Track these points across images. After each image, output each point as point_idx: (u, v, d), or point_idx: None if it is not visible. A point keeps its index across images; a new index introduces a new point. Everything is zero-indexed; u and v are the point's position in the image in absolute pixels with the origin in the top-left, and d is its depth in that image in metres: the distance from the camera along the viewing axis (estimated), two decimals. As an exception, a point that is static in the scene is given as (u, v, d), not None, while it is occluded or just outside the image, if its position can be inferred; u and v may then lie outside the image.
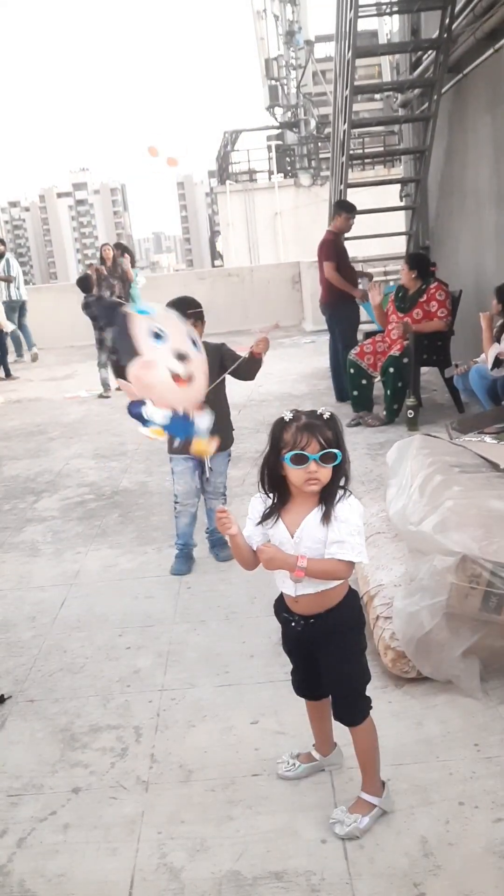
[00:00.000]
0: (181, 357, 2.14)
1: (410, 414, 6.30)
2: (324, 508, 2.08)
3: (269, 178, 23.38)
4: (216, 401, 4.03)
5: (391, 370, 6.49)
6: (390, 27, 8.74)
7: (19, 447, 7.27)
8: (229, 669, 3.12)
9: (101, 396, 9.32)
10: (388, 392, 6.58)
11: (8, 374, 12.03)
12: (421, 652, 2.80)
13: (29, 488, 5.90)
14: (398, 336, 6.53)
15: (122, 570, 4.24)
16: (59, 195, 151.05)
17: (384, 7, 7.52)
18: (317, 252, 7.43)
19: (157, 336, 2.12)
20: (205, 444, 2.20)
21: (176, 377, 2.11)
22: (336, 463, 2.07)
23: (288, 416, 2.09)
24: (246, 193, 22.65)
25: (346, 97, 7.42)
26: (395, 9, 7.70)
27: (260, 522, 2.19)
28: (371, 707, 2.26)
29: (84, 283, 10.11)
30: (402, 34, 8.44)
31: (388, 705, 2.78)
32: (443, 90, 7.30)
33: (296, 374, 9.57)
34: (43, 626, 3.65)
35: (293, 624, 2.23)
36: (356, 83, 7.64)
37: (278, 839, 2.21)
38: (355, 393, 6.83)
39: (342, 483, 2.12)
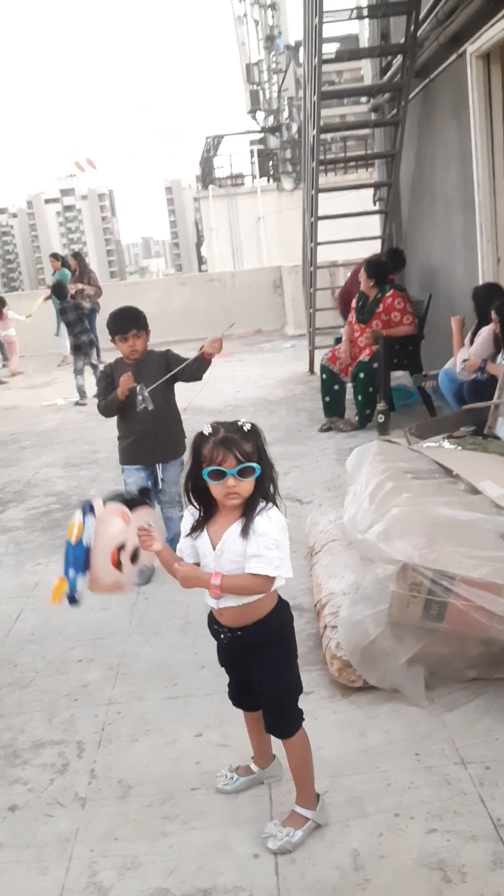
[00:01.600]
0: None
1: (381, 419, 6.30)
2: (244, 521, 2.07)
3: (252, 183, 23.41)
4: (165, 408, 4.03)
5: (361, 375, 6.50)
6: (371, 31, 8.74)
7: (-9, 457, 7.23)
8: (178, 681, 3.10)
9: (77, 404, 9.29)
10: (359, 397, 6.58)
11: None
12: (366, 661, 2.78)
13: (-4, 499, 5.87)
14: (367, 343, 6.54)
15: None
16: (47, 201, 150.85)
17: (350, 12, 7.51)
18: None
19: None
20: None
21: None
22: (256, 476, 2.05)
23: (207, 430, 2.07)
24: (229, 198, 22.69)
25: (315, 102, 7.42)
26: (363, 14, 7.68)
27: (189, 534, 2.19)
28: (303, 719, 2.24)
29: (59, 289, 10.10)
30: (372, 39, 8.45)
31: (334, 715, 2.76)
32: (410, 95, 7.31)
33: (273, 378, 9.57)
34: (-5, 641, 3.62)
35: (221, 636, 2.21)
36: (324, 88, 7.63)
37: (211, 855, 2.18)
38: (327, 399, 6.83)
39: (268, 494, 2.10)
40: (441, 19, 6.12)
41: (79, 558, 2.12)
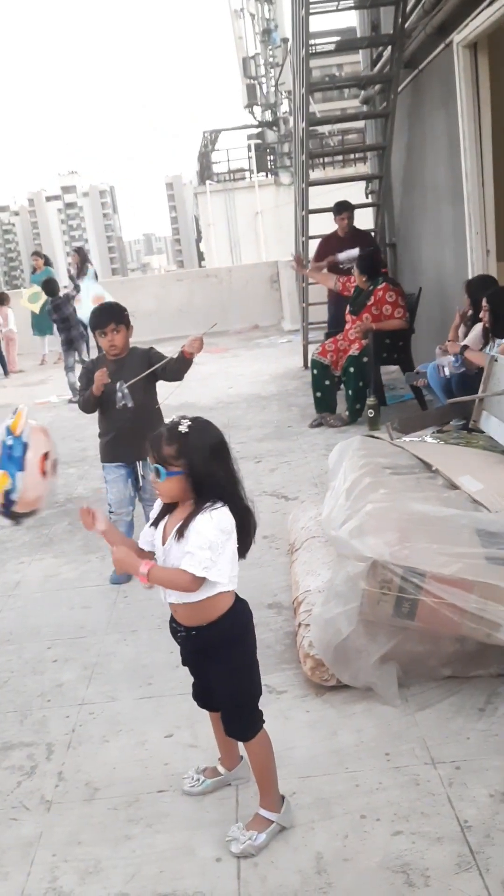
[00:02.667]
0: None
1: (371, 413, 6.25)
2: (184, 520, 2.05)
3: (250, 178, 23.32)
4: (145, 405, 3.99)
5: (351, 370, 6.45)
6: (361, 23, 8.65)
7: (-19, 455, 7.20)
8: (153, 681, 3.07)
9: (70, 402, 9.26)
10: (349, 392, 6.53)
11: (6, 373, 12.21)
12: (339, 659, 2.75)
13: (-16, 497, 5.83)
14: (357, 336, 6.49)
15: (62, 579, 4.19)
16: (49, 199, 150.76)
17: (337, 3, 7.45)
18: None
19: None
20: None
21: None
22: (167, 476, 2.03)
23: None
24: (226, 193, 22.61)
25: (303, 95, 7.36)
26: (349, 4, 7.62)
27: (151, 524, 2.17)
28: (263, 721, 2.21)
29: (50, 286, 10.06)
30: (362, 30, 8.38)
31: (306, 714, 2.73)
32: (400, 86, 7.25)
33: (268, 374, 9.52)
34: (-27, 641, 3.60)
35: (178, 634, 2.19)
36: (313, 80, 7.57)
37: (173, 859, 2.15)
38: (318, 394, 6.78)
39: (220, 495, 2.06)
40: (428, 9, 6.07)
41: (19, 457, 2.21)
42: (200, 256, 28.34)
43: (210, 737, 2.55)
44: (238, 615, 2.15)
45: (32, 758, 2.67)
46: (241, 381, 9.24)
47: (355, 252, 7.19)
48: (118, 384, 3.88)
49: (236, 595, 2.16)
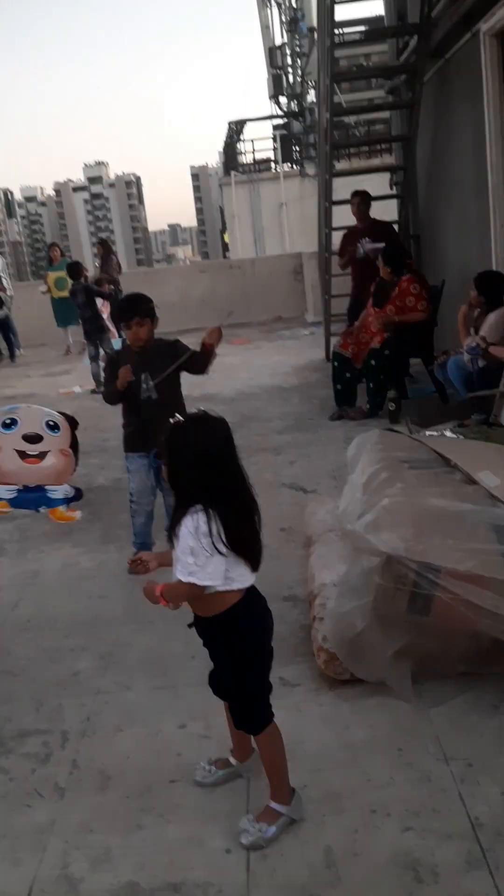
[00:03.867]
0: (32, 439, 2.41)
1: (392, 407, 6.21)
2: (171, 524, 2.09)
3: (275, 169, 23.22)
4: (169, 397, 4.00)
5: (373, 363, 6.41)
6: (388, 12, 8.56)
7: (4, 445, 7.27)
8: (167, 671, 3.09)
9: (93, 392, 9.30)
10: (370, 385, 6.50)
11: (12, 356, 12.35)
12: (353, 654, 2.74)
13: (6, 486, 5.89)
14: (378, 328, 6.45)
15: (81, 569, 4.22)
16: (75, 189, 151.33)
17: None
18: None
19: (7, 425, 2.41)
20: (62, 513, 2.31)
21: (24, 456, 2.37)
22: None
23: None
24: (251, 184, 22.52)
25: (328, 85, 7.31)
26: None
27: None
28: (272, 716, 2.21)
29: (74, 269, 10.10)
30: (389, 19, 8.29)
31: (319, 708, 2.73)
32: (425, 76, 7.17)
33: (289, 366, 9.50)
34: (-9, 629, 3.64)
35: (193, 622, 2.20)
36: (338, 70, 7.51)
37: (183, 849, 2.17)
38: (339, 387, 6.75)
39: (196, 497, 2.05)
40: (455, -3, 5.99)
41: None
42: (225, 248, 28.28)
43: (223, 728, 2.56)
44: (242, 612, 2.13)
45: (47, 745, 2.70)
46: (262, 373, 9.23)
47: (379, 245, 7.16)
48: (143, 376, 3.89)
49: (248, 592, 2.15)
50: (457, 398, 5.91)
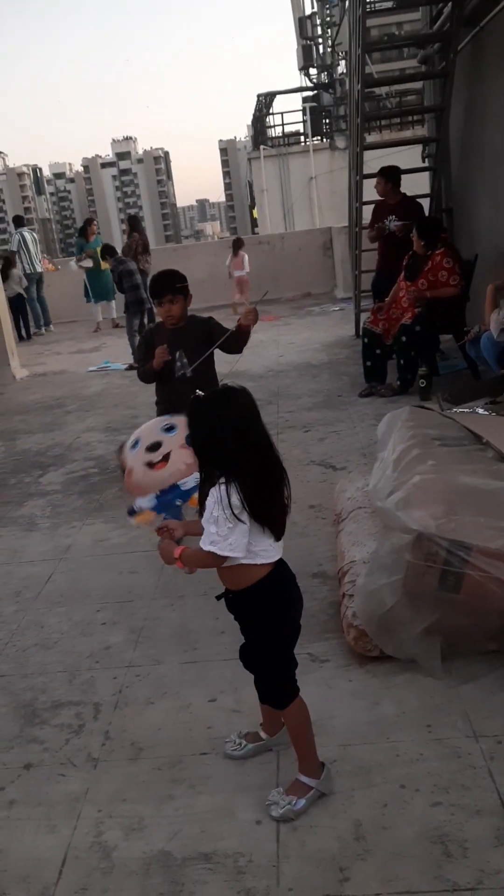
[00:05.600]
0: (153, 447, 2.54)
1: (423, 384, 6.16)
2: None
3: (304, 142, 22.91)
4: (204, 375, 4.00)
5: (403, 339, 6.35)
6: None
7: (35, 421, 7.35)
8: (198, 646, 3.12)
9: (132, 367, 9.25)
10: (401, 361, 6.43)
11: (29, 336, 12.48)
12: (382, 630, 2.75)
13: (38, 462, 5.96)
14: (410, 304, 6.37)
15: (112, 544, 4.26)
16: (104, 165, 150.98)
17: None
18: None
19: (134, 445, 2.60)
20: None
21: (152, 465, 2.55)
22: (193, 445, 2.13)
23: None
24: (280, 158, 22.27)
25: (359, 55, 7.18)
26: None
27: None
28: (297, 691, 2.23)
29: (108, 248, 10.21)
30: (422, -14, 8.11)
31: (349, 684, 2.74)
32: (460, 45, 7.01)
33: (319, 343, 9.45)
34: (26, 601, 3.70)
35: (222, 594, 2.22)
36: (370, 40, 7.37)
37: (214, 819, 2.20)
38: (368, 363, 6.70)
39: (221, 468, 2.05)
40: (490, -37, 5.83)
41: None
42: (253, 223, 28.06)
43: (252, 702, 2.58)
44: (269, 587, 2.14)
45: (80, 717, 2.75)
46: (291, 350, 9.20)
47: (405, 223, 7.09)
48: (177, 353, 3.89)
49: (277, 567, 2.15)
50: (490, 375, 5.84)
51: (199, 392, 2.10)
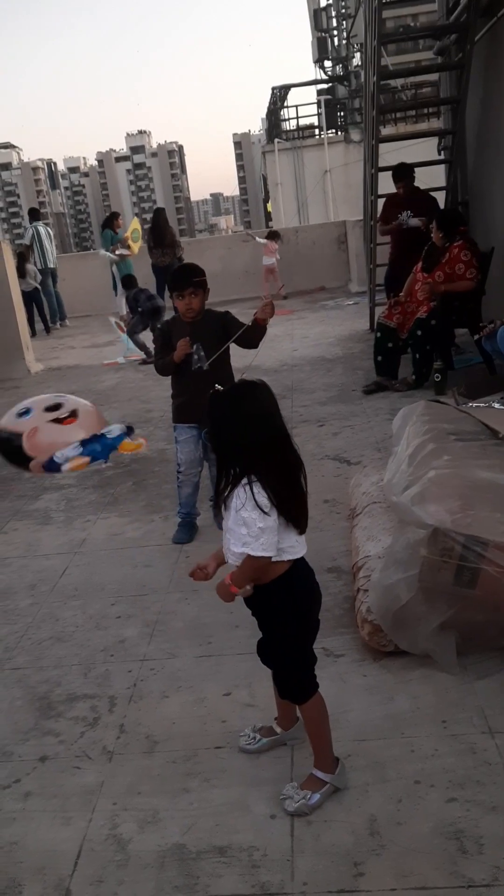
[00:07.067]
0: (53, 408, 2.43)
1: (438, 378, 6.12)
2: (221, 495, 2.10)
3: (319, 135, 22.81)
4: (220, 369, 3.99)
5: (419, 333, 6.31)
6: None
7: (50, 415, 7.36)
8: (212, 640, 3.12)
9: (145, 362, 9.28)
10: (416, 355, 6.40)
11: (47, 330, 12.51)
12: (397, 625, 2.74)
13: (52, 456, 5.97)
14: (425, 297, 6.34)
15: (126, 538, 4.27)
16: (118, 159, 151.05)
17: None
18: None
19: (22, 413, 2.42)
20: (128, 444, 2.34)
21: (61, 420, 2.41)
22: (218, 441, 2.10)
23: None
24: (295, 151, 22.19)
25: (375, 47, 7.13)
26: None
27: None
28: (316, 686, 2.22)
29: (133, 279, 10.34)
30: (438, -23, 8.04)
31: (363, 679, 2.74)
32: (477, 36, 6.94)
33: (333, 336, 9.43)
34: (41, 595, 3.71)
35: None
36: (386, 31, 7.32)
37: (229, 813, 2.20)
38: (379, 358, 6.66)
39: (245, 468, 2.04)
40: (508, -48, 5.77)
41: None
42: (267, 217, 27.99)
43: (267, 697, 2.59)
44: (289, 583, 2.13)
45: (95, 709, 2.76)
46: (305, 344, 9.18)
47: (421, 219, 7.08)
48: (195, 347, 3.89)
49: (297, 563, 2.15)
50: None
51: (218, 386, 2.09)
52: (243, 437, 2.04)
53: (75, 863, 2.10)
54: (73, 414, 2.44)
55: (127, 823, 2.21)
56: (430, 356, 6.31)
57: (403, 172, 7.54)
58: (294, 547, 2.13)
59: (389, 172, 7.96)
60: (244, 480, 2.04)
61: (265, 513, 2.01)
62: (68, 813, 2.28)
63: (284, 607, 2.16)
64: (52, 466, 2.41)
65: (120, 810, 2.27)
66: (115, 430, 2.38)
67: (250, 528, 2.03)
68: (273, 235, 13.29)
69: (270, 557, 2.06)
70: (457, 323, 6.60)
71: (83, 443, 2.39)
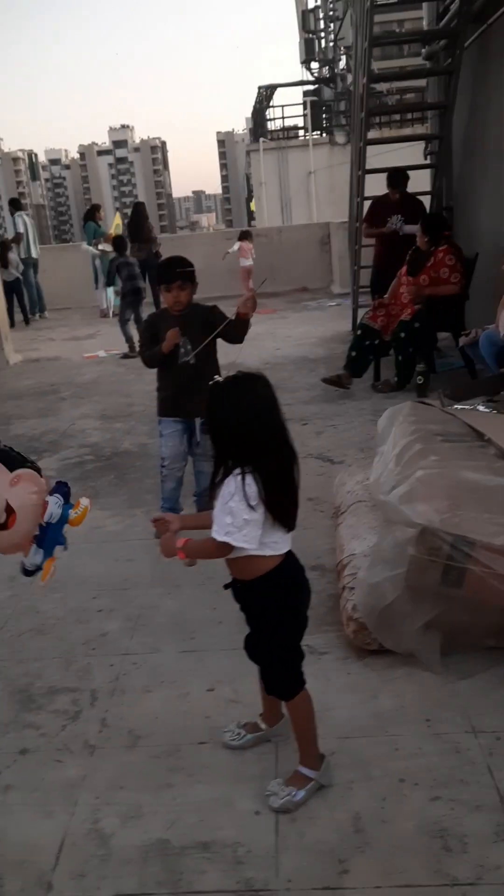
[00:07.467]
0: None
1: (420, 380, 6.15)
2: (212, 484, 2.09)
3: (304, 136, 22.85)
4: (206, 363, 3.97)
5: (402, 335, 6.34)
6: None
7: (30, 406, 7.30)
8: (195, 635, 3.10)
9: (127, 356, 9.21)
10: (399, 358, 6.43)
11: (27, 321, 12.37)
12: (382, 624, 2.74)
13: (31, 448, 5.91)
14: (409, 300, 6.37)
15: (107, 532, 4.24)
16: (100, 153, 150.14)
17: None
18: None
19: None
20: (79, 516, 2.21)
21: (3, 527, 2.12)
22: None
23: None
24: (279, 151, 22.20)
25: (366, 49, 7.15)
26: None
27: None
28: (303, 683, 2.22)
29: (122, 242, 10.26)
30: (429, -18, 8.09)
31: (347, 677, 2.74)
32: (466, 42, 6.99)
33: (316, 337, 9.44)
34: (21, 587, 3.65)
35: (229, 584, 2.20)
36: (376, 33, 7.35)
37: (212, 809, 2.19)
38: (353, 353, 6.63)
39: (236, 458, 2.04)
40: (501, -41, 5.81)
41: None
42: (250, 216, 27.99)
43: (251, 693, 2.58)
44: (276, 580, 2.13)
45: (77, 703, 2.73)
46: (288, 343, 9.18)
47: (414, 227, 7.08)
48: (181, 340, 3.87)
49: (286, 559, 2.14)
50: (487, 373, 5.84)
51: (217, 378, 2.07)
52: (241, 428, 2.03)
53: (57, 857, 2.07)
54: (9, 510, 2.15)
55: (109, 818, 2.19)
56: (413, 359, 6.34)
57: (399, 180, 7.53)
58: (277, 543, 2.12)
59: (376, 175, 8.00)
60: (237, 471, 2.03)
61: (251, 506, 2.00)
62: (49, 806, 2.25)
63: (273, 603, 2.15)
64: (29, 572, 2.30)
65: (102, 805, 2.24)
66: (54, 510, 2.17)
67: (235, 519, 2.02)
68: (244, 236, 13.25)
69: (233, 548, 2.05)
70: (440, 327, 6.64)
71: (37, 540, 2.22)
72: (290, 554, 2.17)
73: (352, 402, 6.31)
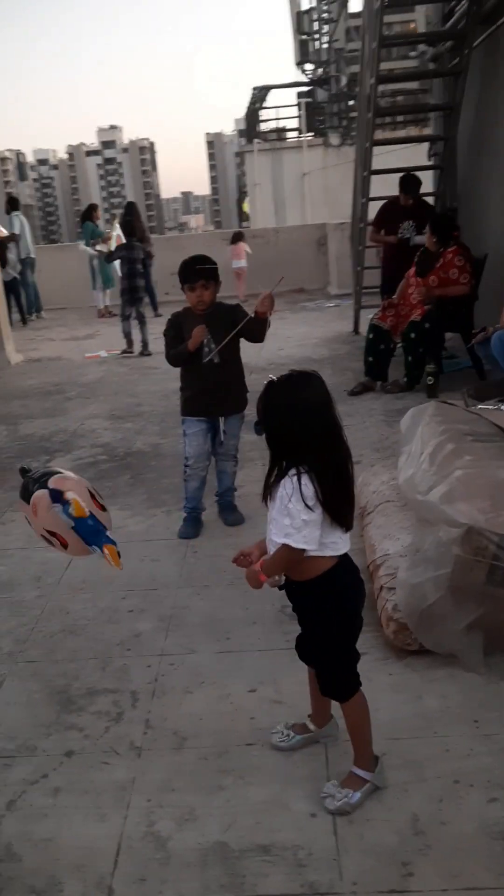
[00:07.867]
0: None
1: (430, 381, 6.16)
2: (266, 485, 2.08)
3: (298, 137, 22.87)
4: (230, 361, 3.97)
5: (412, 336, 6.34)
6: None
7: (36, 406, 7.25)
8: (230, 636, 3.08)
9: (125, 353, 9.20)
10: (409, 358, 6.43)
11: (24, 321, 12.30)
12: (424, 625, 2.73)
13: (43, 447, 5.88)
14: (419, 301, 6.37)
15: (129, 532, 4.21)
16: (88, 153, 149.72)
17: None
18: None
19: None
20: (115, 556, 2.35)
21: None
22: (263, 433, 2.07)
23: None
24: (273, 153, 22.22)
25: (375, 49, 7.15)
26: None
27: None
28: (359, 684, 2.20)
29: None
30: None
31: (389, 677, 2.73)
32: (474, 43, 7.01)
33: (317, 338, 9.44)
34: (47, 587, 3.64)
35: (283, 584, 2.19)
36: (384, 35, 7.35)
37: (268, 811, 2.17)
38: (370, 358, 6.66)
39: (292, 457, 2.03)
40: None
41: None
42: (242, 217, 27.95)
43: (294, 694, 2.57)
44: (331, 581, 2.10)
45: (118, 704, 2.70)
46: (290, 344, 9.17)
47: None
48: (205, 339, 3.86)
49: (343, 560, 2.13)
50: (497, 373, 5.85)
51: (271, 377, 2.06)
52: (297, 427, 2.01)
53: (115, 860, 2.05)
54: (52, 534, 2.54)
55: (164, 821, 2.17)
56: (423, 359, 6.34)
57: (412, 186, 7.49)
58: (336, 543, 2.11)
59: (380, 176, 8.00)
60: (292, 471, 2.01)
61: (309, 507, 1.99)
62: (102, 809, 2.23)
63: (331, 604, 2.14)
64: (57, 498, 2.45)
65: (155, 807, 2.22)
66: (63, 516, 2.39)
67: (294, 520, 2.00)
68: (238, 237, 13.17)
69: (304, 550, 2.03)
70: (450, 327, 6.65)
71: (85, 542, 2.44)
72: (345, 554, 2.15)
73: (361, 402, 6.30)
